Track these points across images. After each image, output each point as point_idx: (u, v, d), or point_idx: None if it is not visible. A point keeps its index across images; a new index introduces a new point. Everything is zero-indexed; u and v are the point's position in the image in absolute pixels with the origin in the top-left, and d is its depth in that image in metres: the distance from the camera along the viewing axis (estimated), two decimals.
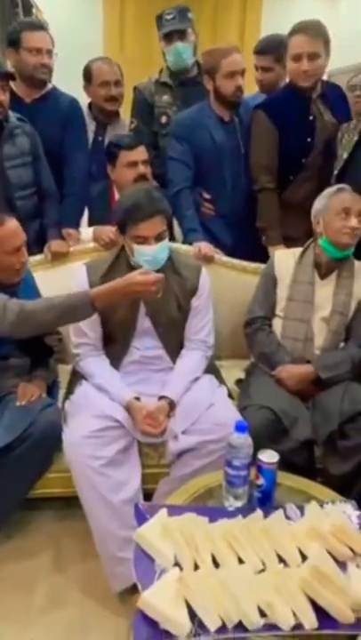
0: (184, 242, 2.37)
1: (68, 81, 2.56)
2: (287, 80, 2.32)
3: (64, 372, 2.06)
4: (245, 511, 1.31)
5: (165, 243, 1.78)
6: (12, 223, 1.70)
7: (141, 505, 1.33)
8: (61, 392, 1.97)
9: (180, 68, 2.53)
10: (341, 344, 1.96)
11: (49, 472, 1.76)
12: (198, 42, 2.58)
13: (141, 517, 1.27)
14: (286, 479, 1.48)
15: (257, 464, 1.35)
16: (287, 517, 1.31)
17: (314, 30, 2.14)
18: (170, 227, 2.39)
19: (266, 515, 1.29)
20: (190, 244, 2.30)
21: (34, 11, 4.57)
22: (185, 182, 2.34)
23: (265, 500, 1.36)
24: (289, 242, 2.27)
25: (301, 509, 1.33)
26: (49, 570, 1.76)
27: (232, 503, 1.36)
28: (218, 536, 1.20)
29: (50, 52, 2.29)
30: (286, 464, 1.66)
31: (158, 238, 1.74)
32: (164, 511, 1.27)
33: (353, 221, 1.86)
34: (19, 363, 1.83)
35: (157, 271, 1.74)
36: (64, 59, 2.49)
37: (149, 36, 4.25)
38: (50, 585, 1.70)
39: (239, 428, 1.33)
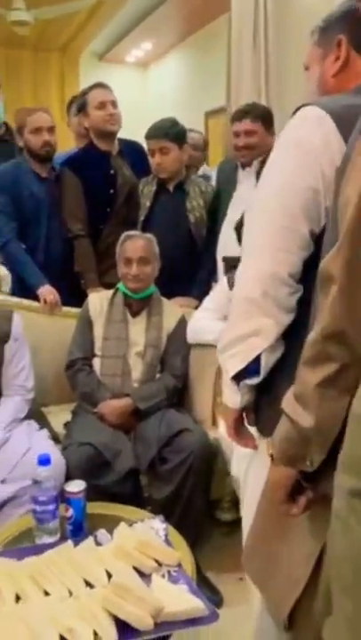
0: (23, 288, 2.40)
1: None
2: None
3: None
4: (56, 545, 1.32)
5: None
6: None
7: None
8: None
9: None
10: (158, 375, 2.10)
11: None
12: (5, 103, 2.74)
13: None
14: (101, 508, 1.51)
15: (64, 496, 1.37)
16: (98, 543, 1.34)
17: (108, 86, 2.48)
18: None
19: (77, 544, 1.31)
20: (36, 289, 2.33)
21: None
22: (11, 232, 2.38)
23: (77, 531, 1.38)
24: (111, 288, 2.39)
25: (112, 533, 1.37)
26: None
27: (45, 541, 1.36)
28: (22, 574, 1.20)
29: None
30: (114, 497, 1.72)
31: None
32: None
33: (133, 269, 2.04)
34: None
35: None
36: None
37: None
38: None
39: (42, 461, 1.35)
